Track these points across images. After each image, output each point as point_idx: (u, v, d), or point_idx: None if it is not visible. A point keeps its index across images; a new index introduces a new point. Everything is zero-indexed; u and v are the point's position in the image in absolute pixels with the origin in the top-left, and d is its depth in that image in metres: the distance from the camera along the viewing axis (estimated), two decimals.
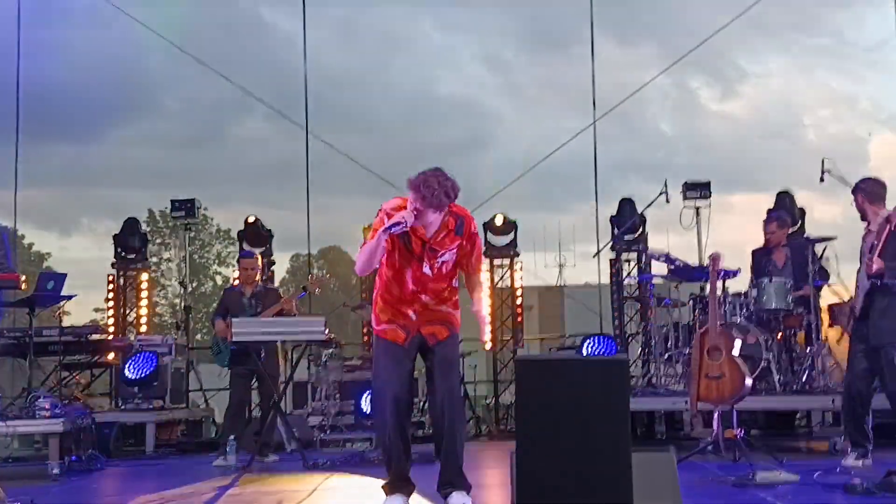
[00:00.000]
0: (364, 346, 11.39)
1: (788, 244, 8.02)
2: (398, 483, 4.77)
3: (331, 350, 9.65)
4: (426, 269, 4.70)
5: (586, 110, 12.92)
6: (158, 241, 36.58)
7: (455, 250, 4.74)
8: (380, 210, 4.72)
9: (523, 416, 2.80)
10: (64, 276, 8.11)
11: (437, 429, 4.83)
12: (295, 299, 8.09)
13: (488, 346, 11.45)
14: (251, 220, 11.64)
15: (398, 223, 4.51)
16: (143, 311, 11.56)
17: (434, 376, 4.80)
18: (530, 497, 2.68)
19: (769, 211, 9.85)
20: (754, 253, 8.33)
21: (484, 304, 4.97)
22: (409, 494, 4.78)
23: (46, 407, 6.95)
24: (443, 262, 4.71)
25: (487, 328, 5.08)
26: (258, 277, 8.53)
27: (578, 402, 2.71)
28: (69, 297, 8.44)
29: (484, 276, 5.00)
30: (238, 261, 8.98)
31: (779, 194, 10.56)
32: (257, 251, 10.78)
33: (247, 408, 8.43)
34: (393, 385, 4.73)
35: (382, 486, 4.81)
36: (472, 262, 4.84)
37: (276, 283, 11.84)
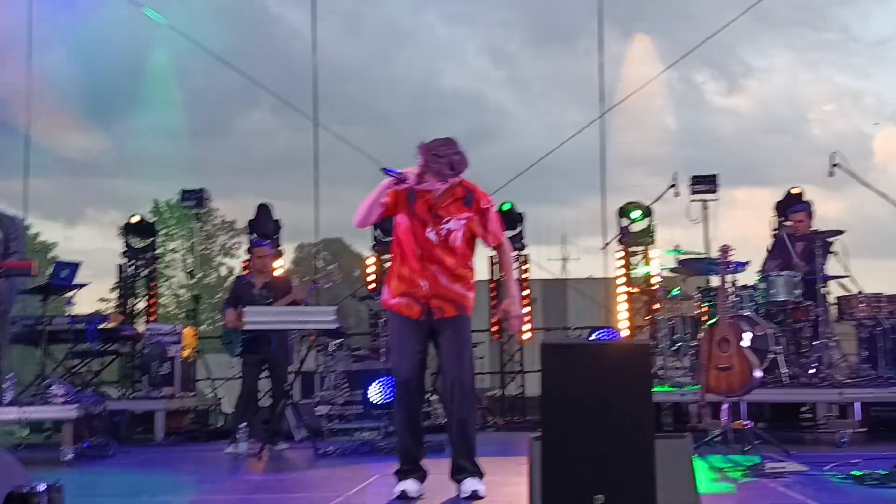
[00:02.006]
0: (371, 336, 11.43)
1: (806, 237, 8.06)
2: (410, 467, 4.80)
3: (338, 340, 9.69)
4: (430, 235, 4.69)
5: (591, 104, 12.98)
6: (163, 231, 36.59)
7: (464, 222, 4.73)
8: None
9: (548, 400, 2.85)
10: (77, 265, 8.17)
11: (448, 415, 4.85)
12: (307, 291, 8.12)
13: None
14: (261, 204, 11.61)
15: (399, 177, 4.59)
16: (152, 300, 11.59)
17: (444, 360, 4.80)
18: (555, 480, 2.73)
19: (782, 203, 9.89)
20: (782, 237, 8.34)
21: (514, 291, 4.89)
22: (422, 480, 4.80)
23: (60, 393, 7.01)
24: (448, 231, 4.70)
25: (518, 322, 4.95)
26: (270, 268, 8.56)
27: (602, 386, 2.76)
28: (81, 286, 8.50)
29: (508, 246, 5.00)
30: (250, 249, 8.99)
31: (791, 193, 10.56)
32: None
33: (257, 396, 8.45)
34: (404, 368, 4.75)
35: (395, 472, 4.85)
36: (488, 233, 4.83)
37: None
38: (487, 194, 4.89)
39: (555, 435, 2.77)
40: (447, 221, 4.71)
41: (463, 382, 4.77)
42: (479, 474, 4.76)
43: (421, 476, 4.82)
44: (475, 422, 4.94)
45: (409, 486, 4.73)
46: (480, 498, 4.60)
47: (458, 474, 4.76)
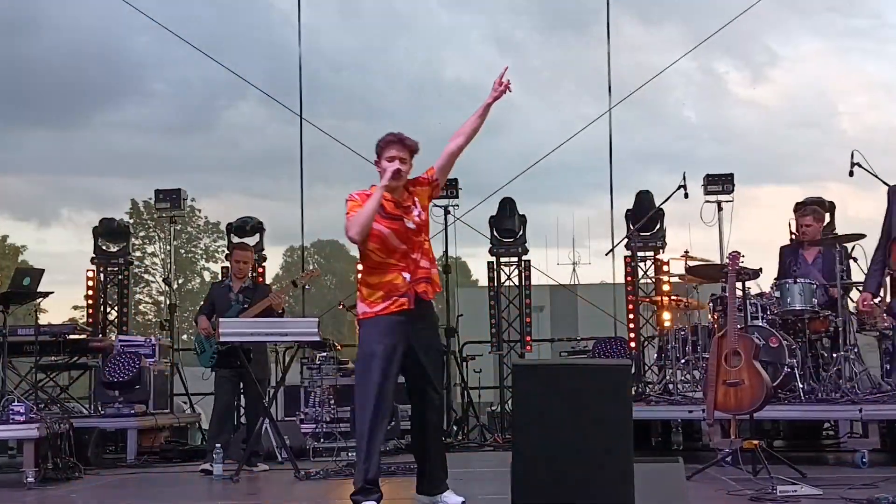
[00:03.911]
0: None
1: (821, 241, 8.09)
2: (371, 487, 4.92)
3: (325, 353, 9.73)
4: (410, 224, 5.08)
5: (604, 95, 12.99)
6: (142, 233, 36.68)
7: (422, 203, 5.17)
8: (349, 200, 5.10)
9: (520, 424, 2.88)
10: (41, 271, 8.19)
11: (425, 424, 5.02)
12: (285, 294, 8.13)
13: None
14: (238, 219, 11.65)
15: (394, 171, 5.01)
16: (125, 309, 11.62)
17: (426, 367, 5.00)
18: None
19: (799, 204, 9.91)
20: (783, 249, 8.39)
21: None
22: (379, 500, 4.93)
23: (21, 411, 7.04)
24: (418, 213, 5.12)
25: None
26: (249, 272, 8.60)
27: (578, 409, 2.79)
28: (46, 294, 8.53)
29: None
30: (231, 252, 9.05)
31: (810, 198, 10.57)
32: (250, 242, 10.90)
33: (234, 413, 8.47)
34: (380, 379, 4.89)
35: (352, 496, 4.92)
36: (440, 165, 5.21)
37: (269, 280, 11.89)
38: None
39: (527, 460, 2.80)
40: (415, 209, 5.14)
41: (441, 393, 5.11)
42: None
43: (379, 498, 4.94)
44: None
45: None
46: None
47: (438, 487, 4.94)
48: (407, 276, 5.01)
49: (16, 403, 7.14)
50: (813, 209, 8.33)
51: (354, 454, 8.56)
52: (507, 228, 11.73)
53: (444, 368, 5.27)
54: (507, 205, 11.74)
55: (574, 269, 27.94)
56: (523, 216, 11.78)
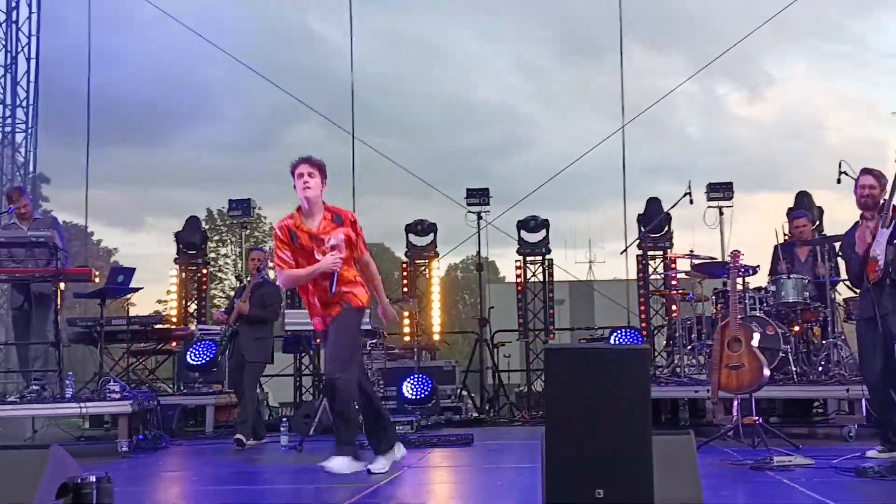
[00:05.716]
0: (404, 336, 11.51)
1: (812, 241, 8.03)
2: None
3: (375, 340, 9.77)
4: (318, 256, 5.09)
5: (616, 115, 12.98)
6: (216, 237, 36.96)
7: (342, 236, 5.12)
8: (274, 237, 5.24)
9: (552, 401, 2.88)
10: (132, 270, 8.30)
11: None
12: (245, 300, 8.07)
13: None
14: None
15: (334, 265, 5.04)
16: (203, 302, 11.73)
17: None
18: (559, 476, 2.76)
19: (792, 210, 9.81)
20: (777, 247, 8.31)
21: (384, 298, 5.56)
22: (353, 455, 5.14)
23: (116, 390, 7.15)
24: (332, 246, 5.07)
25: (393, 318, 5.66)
26: (264, 269, 8.58)
27: (603, 388, 2.79)
28: (136, 290, 8.63)
29: (368, 257, 5.46)
30: (248, 252, 9.13)
31: (798, 194, 10.49)
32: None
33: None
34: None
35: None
36: (360, 246, 5.29)
37: None
38: (349, 211, 5.37)
39: (558, 433, 2.80)
40: (328, 240, 5.12)
41: (337, 370, 5.02)
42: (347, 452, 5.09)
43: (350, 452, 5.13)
44: (350, 413, 5.12)
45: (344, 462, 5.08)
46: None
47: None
48: (317, 301, 5.17)
49: (111, 383, 7.25)
50: (806, 213, 8.33)
51: (401, 428, 8.71)
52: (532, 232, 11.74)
53: (348, 351, 5.15)
54: (532, 217, 11.75)
55: (590, 267, 27.88)
56: (546, 221, 11.76)
